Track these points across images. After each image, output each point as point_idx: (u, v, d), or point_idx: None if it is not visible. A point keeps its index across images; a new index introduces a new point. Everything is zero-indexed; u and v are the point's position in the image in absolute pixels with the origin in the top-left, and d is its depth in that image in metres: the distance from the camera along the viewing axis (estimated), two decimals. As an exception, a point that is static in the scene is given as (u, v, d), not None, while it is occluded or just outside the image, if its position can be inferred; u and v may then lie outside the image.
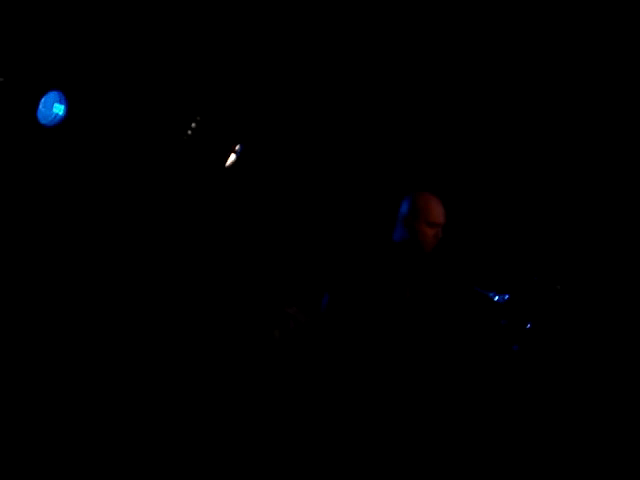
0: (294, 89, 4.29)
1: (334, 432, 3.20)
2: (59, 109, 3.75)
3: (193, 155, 4.12)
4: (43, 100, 3.69)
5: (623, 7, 3.75)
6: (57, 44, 3.69)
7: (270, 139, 4.34)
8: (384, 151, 4.31)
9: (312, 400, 3.25)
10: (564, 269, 4.15)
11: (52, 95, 3.74)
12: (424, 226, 3.27)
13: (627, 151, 4.09)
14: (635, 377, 3.70)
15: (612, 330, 3.91)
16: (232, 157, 4.16)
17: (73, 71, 3.78)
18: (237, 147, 4.15)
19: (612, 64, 3.99)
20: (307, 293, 3.86)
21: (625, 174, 4.10)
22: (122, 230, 4.03)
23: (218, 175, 4.20)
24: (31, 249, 3.80)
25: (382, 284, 3.30)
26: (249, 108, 4.29)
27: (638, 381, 3.68)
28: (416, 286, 3.37)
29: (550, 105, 4.19)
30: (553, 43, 4.05)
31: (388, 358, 3.24)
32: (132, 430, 3.37)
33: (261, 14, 4.13)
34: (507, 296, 3.54)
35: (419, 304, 3.35)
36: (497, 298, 3.55)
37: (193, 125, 4.03)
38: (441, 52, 4.20)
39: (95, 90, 3.86)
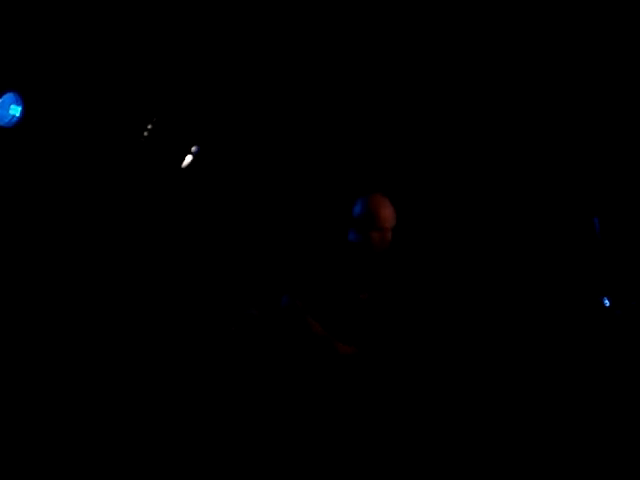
0: (249, 89, 4.33)
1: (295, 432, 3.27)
2: (16, 110, 3.77)
3: (149, 156, 4.14)
4: (0, 101, 3.70)
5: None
6: (13, 45, 3.70)
7: (226, 140, 4.37)
8: (340, 151, 4.37)
9: (275, 399, 3.32)
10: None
11: (9, 96, 3.75)
12: (372, 230, 3.36)
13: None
14: None
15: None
16: (188, 158, 4.19)
17: (29, 72, 3.79)
18: (193, 148, 4.18)
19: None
20: (266, 293, 3.89)
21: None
22: (79, 232, 4.05)
23: (174, 176, 4.23)
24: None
25: (338, 285, 3.38)
26: (205, 109, 4.32)
27: None
28: (370, 287, 3.45)
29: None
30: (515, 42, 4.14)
31: (348, 358, 3.31)
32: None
33: (216, 14, 4.17)
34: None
35: (374, 305, 3.43)
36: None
37: (149, 126, 4.06)
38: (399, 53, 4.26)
39: (52, 91, 3.87)
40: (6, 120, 3.76)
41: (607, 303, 3.77)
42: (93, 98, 4.03)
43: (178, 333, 3.93)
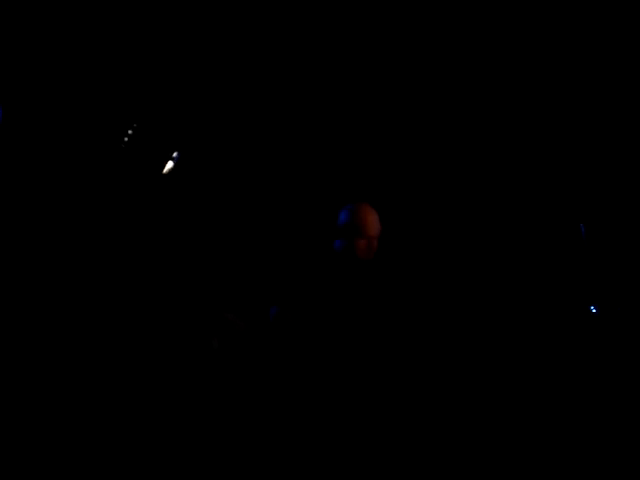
0: (230, 93, 4.29)
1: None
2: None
3: (130, 162, 4.08)
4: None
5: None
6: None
7: (207, 146, 4.32)
8: (324, 161, 4.34)
9: (260, 411, 3.28)
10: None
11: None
12: (356, 238, 3.36)
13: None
14: None
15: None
16: (169, 164, 4.13)
17: (7, 77, 3.73)
18: (174, 154, 4.13)
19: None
20: (244, 300, 3.85)
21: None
22: (57, 238, 3.98)
23: (156, 182, 4.17)
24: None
25: (324, 294, 3.37)
26: (185, 114, 4.27)
27: None
28: (356, 297, 3.43)
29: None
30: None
31: (340, 365, 3.29)
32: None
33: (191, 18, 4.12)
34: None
35: (361, 314, 3.41)
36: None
37: (130, 132, 4.00)
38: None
39: (30, 97, 3.82)
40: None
41: (594, 310, 3.75)
42: (72, 103, 3.97)
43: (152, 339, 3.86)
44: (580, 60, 4.10)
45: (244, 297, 3.93)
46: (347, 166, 4.30)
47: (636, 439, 3.53)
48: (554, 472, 3.53)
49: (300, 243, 4.06)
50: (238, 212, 4.30)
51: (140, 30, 4.07)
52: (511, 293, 4.11)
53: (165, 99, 4.20)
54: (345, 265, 3.40)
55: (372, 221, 3.36)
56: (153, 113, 4.15)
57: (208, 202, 4.29)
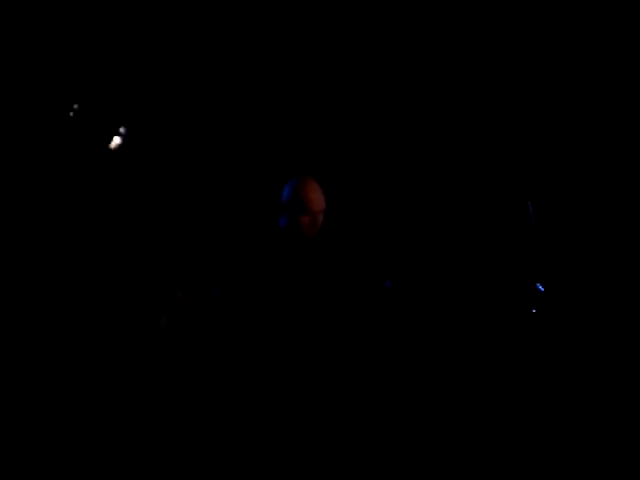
0: (180, 70, 4.26)
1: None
2: None
3: (77, 137, 4.04)
4: None
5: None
6: None
7: (155, 122, 4.29)
8: (269, 134, 4.32)
9: (210, 391, 3.28)
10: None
11: None
12: (301, 214, 3.35)
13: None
14: None
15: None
16: (116, 139, 4.09)
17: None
18: (121, 129, 4.08)
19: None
20: (193, 277, 3.84)
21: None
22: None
23: (103, 158, 4.13)
24: None
25: (271, 271, 3.36)
26: (133, 89, 4.23)
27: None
28: (302, 273, 3.43)
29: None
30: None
31: (285, 344, 3.29)
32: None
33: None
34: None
35: (307, 290, 3.41)
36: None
37: (75, 106, 3.95)
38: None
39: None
40: None
41: (541, 288, 3.79)
42: (19, 79, 3.91)
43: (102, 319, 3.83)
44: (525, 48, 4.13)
45: (193, 275, 3.92)
46: (291, 140, 4.28)
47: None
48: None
49: (246, 220, 4.05)
50: (184, 191, 4.28)
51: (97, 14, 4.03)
52: (458, 270, 4.14)
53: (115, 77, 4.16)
54: (290, 242, 3.40)
55: (316, 197, 3.35)
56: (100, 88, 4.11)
57: (155, 182, 4.26)
